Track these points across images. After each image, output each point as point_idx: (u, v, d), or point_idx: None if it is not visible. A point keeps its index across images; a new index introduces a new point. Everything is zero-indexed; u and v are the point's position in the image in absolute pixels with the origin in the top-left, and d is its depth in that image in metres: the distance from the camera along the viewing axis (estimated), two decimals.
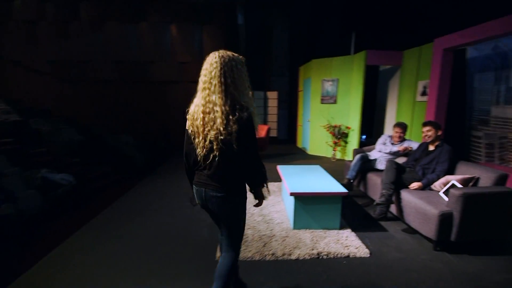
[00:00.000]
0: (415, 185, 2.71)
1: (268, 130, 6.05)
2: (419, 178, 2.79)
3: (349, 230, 2.61)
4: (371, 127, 7.19)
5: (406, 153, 3.36)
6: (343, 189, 2.59)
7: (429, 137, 2.84)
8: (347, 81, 5.85)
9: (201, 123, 1.23)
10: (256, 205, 1.43)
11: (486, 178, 2.40)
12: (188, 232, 2.63)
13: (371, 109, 6.59)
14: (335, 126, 5.94)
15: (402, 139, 3.43)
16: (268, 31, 8.86)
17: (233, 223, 1.37)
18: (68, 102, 7.05)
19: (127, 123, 7.28)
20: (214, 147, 1.22)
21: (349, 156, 5.94)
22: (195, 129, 1.26)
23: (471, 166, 2.58)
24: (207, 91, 1.23)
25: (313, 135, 6.57)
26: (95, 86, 7.15)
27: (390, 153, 3.41)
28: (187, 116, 1.32)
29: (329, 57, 6.07)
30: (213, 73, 1.21)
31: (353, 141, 5.75)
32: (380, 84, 6.56)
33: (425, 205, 2.36)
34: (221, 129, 1.18)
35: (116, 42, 7.03)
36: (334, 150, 5.94)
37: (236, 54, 1.28)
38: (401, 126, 3.40)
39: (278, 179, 4.19)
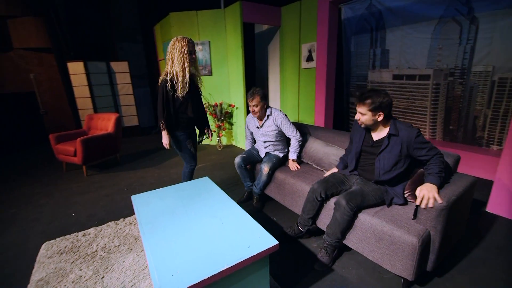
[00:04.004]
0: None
1: (117, 121, 3.89)
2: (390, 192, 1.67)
3: None
4: None
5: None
6: (270, 239, 1.31)
7: (365, 125, 1.67)
8: (222, 45, 4.51)
9: None
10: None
11: None
12: None
13: (252, 80, 5.65)
14: (215, 105, 4.60)
15: (265, 112, 2.33)
16: None
17: (178, 149, 2.25)
18: None
19: None
20: None
21: (237, 141, 4.85)
22: None
23: None
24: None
25: None
26: None
27: (268, 136, 2.39)
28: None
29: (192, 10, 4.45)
30: (168, 51, 2.05)
31: (239, 121, 4.65)
32: (258, 50, 5.64)
33: (391, 227, 1.46)
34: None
35: None
36: (219, 136, 4.65)
37: (180, 37, 2.01)
38: (254, 96, 2.23)
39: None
